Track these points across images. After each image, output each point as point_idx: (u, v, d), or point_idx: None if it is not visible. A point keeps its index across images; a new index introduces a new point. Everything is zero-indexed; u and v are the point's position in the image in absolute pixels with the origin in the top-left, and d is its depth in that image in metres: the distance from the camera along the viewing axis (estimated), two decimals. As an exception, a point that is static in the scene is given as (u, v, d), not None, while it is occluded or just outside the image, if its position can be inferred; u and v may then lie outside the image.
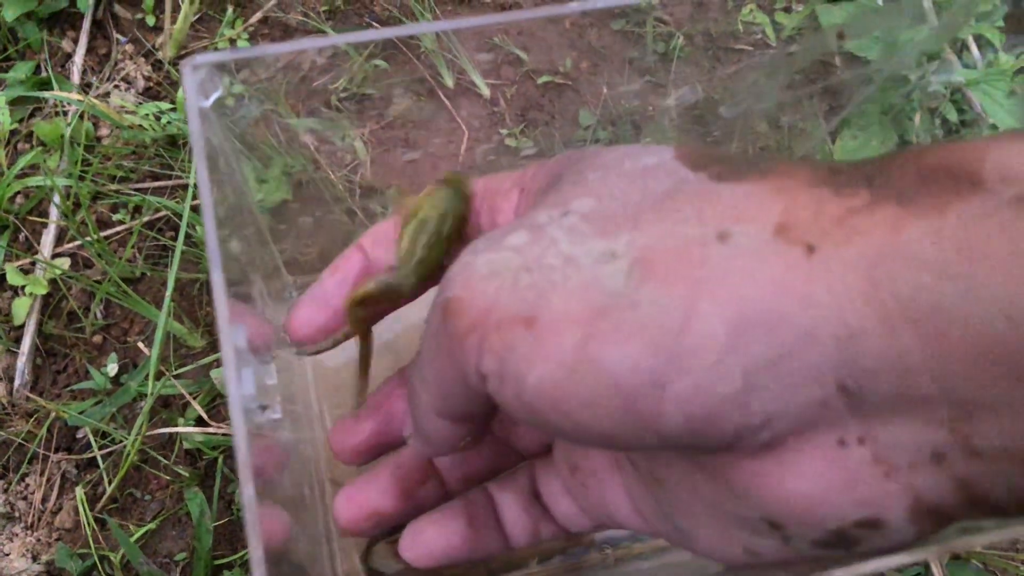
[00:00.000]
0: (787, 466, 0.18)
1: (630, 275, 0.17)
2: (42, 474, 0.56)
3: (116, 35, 0.68)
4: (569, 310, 0.18)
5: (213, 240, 0.19)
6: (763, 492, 0.18)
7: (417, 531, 0.29)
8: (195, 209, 0.59)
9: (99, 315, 0.60)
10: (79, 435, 0.57)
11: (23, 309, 0.59)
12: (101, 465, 0.56)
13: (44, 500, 0.56)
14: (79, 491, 0.55)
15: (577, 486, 0.27)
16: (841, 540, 0.18)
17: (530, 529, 0.29)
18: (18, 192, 0.62)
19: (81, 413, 0.56)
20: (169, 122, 0.64)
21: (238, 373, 0.17)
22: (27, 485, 0.56)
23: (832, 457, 0.17)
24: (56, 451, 0.57)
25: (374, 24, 0.68)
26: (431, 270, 0.27)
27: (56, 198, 0.61)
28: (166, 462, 0.55)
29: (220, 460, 0.55)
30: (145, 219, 0.62)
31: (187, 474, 0.55)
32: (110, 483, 0.55)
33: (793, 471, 0.18)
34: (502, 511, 0.29)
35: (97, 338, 0.59)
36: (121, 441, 0.56)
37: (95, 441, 0.56)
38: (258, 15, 0.69)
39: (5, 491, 0.56)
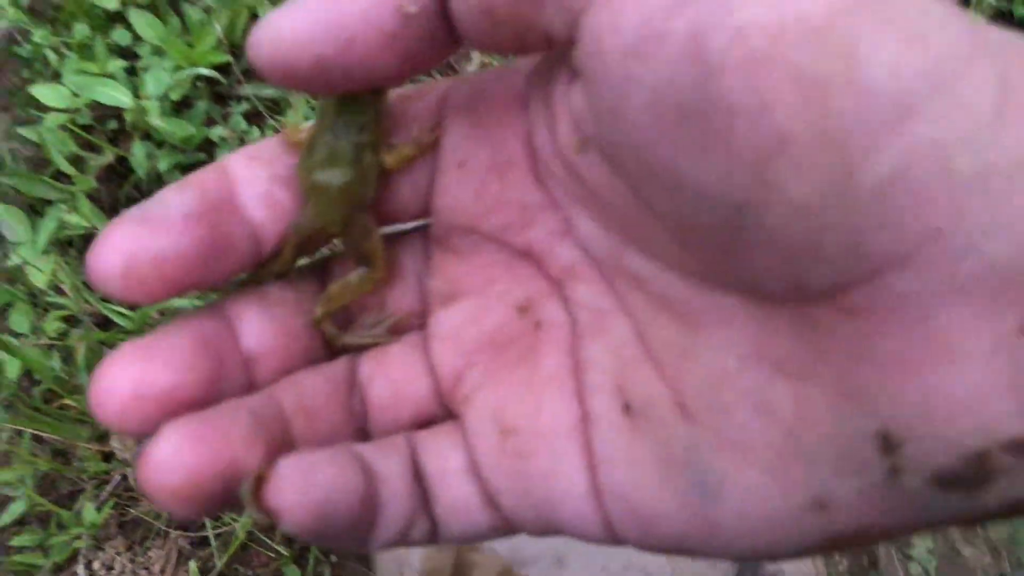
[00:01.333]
0: (944, 351, 0.14)
1: None
2: (162, 548, 0.66)
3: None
4: None
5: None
6: (902, 386, 0.14)
7: (310, 465, 0.19)
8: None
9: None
10: (196, 516, 0.68)
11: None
12: (213, 543, 0.66)
13: (162, 571, 0.66)
14: (192, 565, 0.65)
15: (509, 456, 0.20)
16: (973, 472, 0.14)
17: (406, 518, 0.21)
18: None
19: (200, 497, 0.67)
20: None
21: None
22: (150, 557, 0.66)
23: (1008, 347, 0.13)
24: (176, 529, 0.67)
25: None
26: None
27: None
28: (269, 542, 0.65)
29: (313, 543, 0.65)
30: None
31: (287, 553, 0.65)
32: (219, 559, 0.65)
33: (950, 359, 0.13)
34: (381, 487, 0.20)
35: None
36: (231, 523, 0.66)
37: (209, 522, 0.66)
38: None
39: (132, 561, 0.66)
